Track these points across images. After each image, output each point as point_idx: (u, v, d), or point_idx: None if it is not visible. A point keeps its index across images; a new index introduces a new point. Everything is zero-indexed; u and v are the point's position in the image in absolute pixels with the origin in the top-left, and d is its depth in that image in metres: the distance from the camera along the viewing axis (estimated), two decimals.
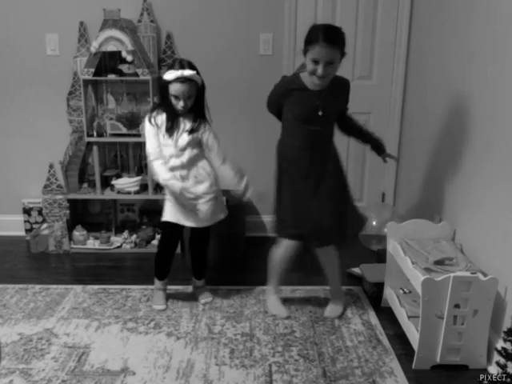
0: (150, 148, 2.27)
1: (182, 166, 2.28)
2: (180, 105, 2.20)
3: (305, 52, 2.04)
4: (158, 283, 2.51)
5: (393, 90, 3.29)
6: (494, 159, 2.05)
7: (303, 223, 2.20)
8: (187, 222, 2.35)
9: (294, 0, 3.13)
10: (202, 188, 2.30)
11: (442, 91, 2.61)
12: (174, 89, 2.17)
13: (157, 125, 2.26)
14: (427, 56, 2.87)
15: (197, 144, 2.30)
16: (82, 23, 3.11)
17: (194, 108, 2.26)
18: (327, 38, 1.96)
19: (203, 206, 2.30)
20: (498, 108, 2.03)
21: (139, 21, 3.09)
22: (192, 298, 2.55)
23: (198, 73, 2.22)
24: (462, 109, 2.36)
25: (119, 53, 2.96)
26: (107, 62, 3.06)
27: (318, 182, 2.20)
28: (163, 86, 2.22)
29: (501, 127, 2.00)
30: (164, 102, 2.26)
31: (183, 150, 2.27)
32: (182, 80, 2.16)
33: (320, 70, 2.00)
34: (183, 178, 2.28)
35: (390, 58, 3.24)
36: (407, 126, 3.25)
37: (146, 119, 2.29)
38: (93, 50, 2.94)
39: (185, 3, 3.16)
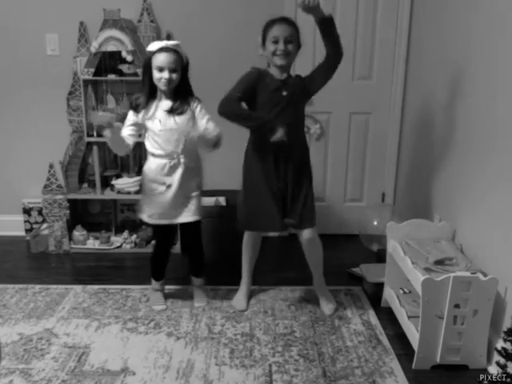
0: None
1: (172, 152, 2.22)
2: (164, 76, 2.12)
3: (263, 40, 2.17)
4: (155, 284, 2.50)
5: (393, 90, 3.29)
6: (494, 159, 2.05)
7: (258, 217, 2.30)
8: (166, 221, 2.30)
9: (294, 0, 3.13)
10: (191, 185, 2.29)
11: (442, 91, 2.61)
12: (159, 59, 2.12)
13: (137, 106, 2.21)
14: (427, 56, 2.87)
15: (190, 126, 2.23)
16: (82, 23, 3.11)
17: (179, 89, 2.20)
18: (283, 18, 2.17)
19: (166, 194, 2.26)
20: (498, 108, 2.03)
21: (139, 21, 3.09)
22: (192, 297, 2.55)
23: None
24: (462, 109, 2.36)
25: (119, 53, 2.96)
26: (107, 62, 3.06)
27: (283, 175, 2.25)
28: (147, 61, 2.16)
29: (501, 128, 2.00)
30: (146, 82, 2.19)
31: (174, 131, 2.21)
32: (166, 49, 2.12)
33: (280, 44, 2.11)
34: (174, 167, 2.23)
35: (389, 58, 3.24)
36: (407, 126, 3.25)
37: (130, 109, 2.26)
38: (93, 50, 2.94)
39: (185, 3, 3.16)
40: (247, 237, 2.46)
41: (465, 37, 2.36)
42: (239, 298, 2.49)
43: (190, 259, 2.52)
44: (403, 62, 3.20)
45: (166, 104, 2.22)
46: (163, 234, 2.41)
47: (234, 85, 2.21)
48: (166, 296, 2.55)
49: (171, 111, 2.21)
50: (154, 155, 2.26)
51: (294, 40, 2.13)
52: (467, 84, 2.32)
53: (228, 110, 2.13)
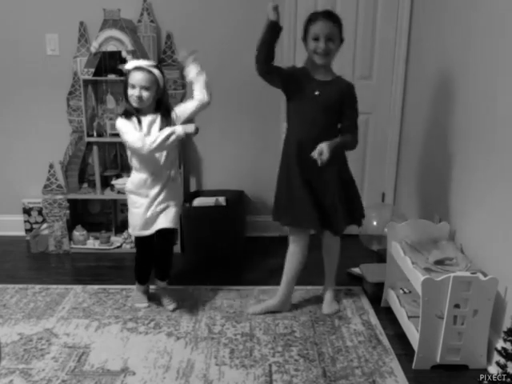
0: (133, 137, 2.19)
1: (156, 166, 2.27)
2: (135, 94, 2.17)
3: (305, 35, 2.13)
4: (139, 286, 2.53)
5: (393, 90, 3.29)
6: (494, 159, 2.05)
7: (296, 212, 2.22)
8: (147, 231, 2.33)
9: (294, 0, 3.13)
10: (172, 195, 2.34)
11: (442, 91, 2.61)
12: (131, 77, 2.18)
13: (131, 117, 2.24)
14: (427, 56, 2.87)
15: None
16: (82, 23, 3.11)
17: (158, 106, 2.27)
18: (326, 13, 2.12)
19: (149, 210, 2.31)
20: (498, 108, 2.03)
21: (139, 21, 3.09)
22: (192, 297, 2.55)
23: (162, 73, 2.25)
24: (462, 109, 2.36)
25: (119, 53, 2.96)
26: (107, 62, 3.06)
27: (311, 177, 2.19)
28: (125, 80, 2.22)
29: (501, 128, 2.00)
30: (127, 99, 2.24)
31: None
32: (140, 68, 2.18)
33: (321, 44, 2.07)
34: (156, 180, 2.28)
35: (389, 58, 3.24)
36: (407, 126, 3.25)
37: (119, 118, 2.26)
38: (93, 50, 2.94)
39: (185, 3, 3.16)
40: (293, 243, 2.32)
41: (465, 37, 2.36)
42: (254, 306, 2.45)
43: (158, 264, 2.49)
44: (403, 62, 3.20)
45: (150, 119, 2.26)
46: (143, 244, 2.43)
47: None
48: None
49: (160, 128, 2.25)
50: (137, 170, 2.31)
51: (335, 38, 2.10)
52: (467, 84, 2.32)
53: (257, 52, 2.15)
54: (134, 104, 2.21)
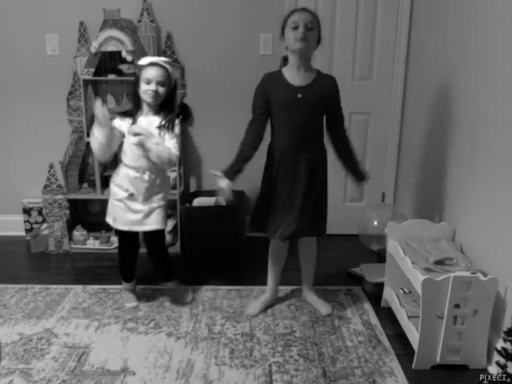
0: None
1: (139, 167, 2.25)
2: (151, 88, 2.17)
3: (283, 30, 2.11)
4: (125, 285, 2.53)
5: (393, 90, 3.29)
6: (494, 159, 2.05)
7: (272, 223, 2.24)
8: (120, 226, 2.32)
9: (294, 0, 3.13)
10: (155, 198, 2.31)
11: (442, 91, 2.61)
12: (147, 72, 2.17)
13: (131, 116, 2.25)
14: (427, 56, 2.87)
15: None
16: (82, 23, 3.11)
17: (163, 106, 2.26)
18: (303, 7, 2.13)
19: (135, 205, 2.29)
20: (498, 108, 2.03)
21: (139, 21, 3.09)
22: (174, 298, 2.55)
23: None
24: (462, 109, 2.36)
25: (119, 53, 2.96)
26: (107, 62, 3.06)
27: (294, 184, 2.19)
28: (137, 76, 2.22)
29: (502, 128, 2.00)
30: (134, 97, 2.25)
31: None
32: (155, 64, 2.18)
33: (300, 29, 2.03)
34: (138, 180, 2.25)
35: (390, 58, 3.24)
36: (407, 126, 3.24)
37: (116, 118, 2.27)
38: (93, 50, 2.94)
39: (185, 3, 3.16)
40: (271, 243, 2.40)
41: (465, 36, 2.36)
42: (253, 303, 2.46)
43: (156, 266, 2.52)
44: (403, 62, 3.20)
45: (150, 120, 2.25)
46: (125, 239, 2.41)
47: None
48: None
49: (160, 127, 2.24)
50: (124, 164, 2.29)
51: (314, 28, 2.06)
52: (467, 84, 2.32)
53: (240, 148, 2.22)
54: (149, 99, 2.20)
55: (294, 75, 2.13)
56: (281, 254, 2.40)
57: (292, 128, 2.14)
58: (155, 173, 2.28)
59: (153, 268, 2.54)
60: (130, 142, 2.22)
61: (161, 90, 2.19)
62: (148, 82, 2.18)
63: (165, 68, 2.21)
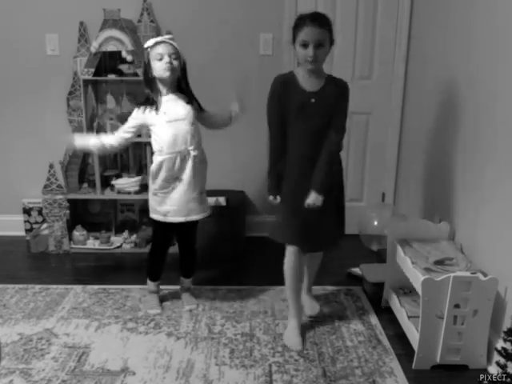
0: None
1: (181, 146, 2.20)
2: (165, 61, 2.13)
3: (294, 40, 2.02)
4: (151, 285, 2.47)
5: (393, 90, 3.28)
6: (494, 159, 2.05)
7: (293, 231, 2.14)
8: (173, 218, 2.26)
9: (294, 0, 3.13)
10: (199, 181, 2.28)
11: (442, 91, 2.61)
12: (157, 51, 2.15)
13: (154, 102, 2.21)
14: (427, 56, 2.87)
15: (195, 120, 2.26)
16: (82, 23, 3.11)
17: (180, 87, 2.24)
18: (314, 18, 1.97)
19: (176, 194, 2.24)
20: (498, 108, 2.02)
21: (139, 21, 3.08)
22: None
23: None
24: (462, 109, 2.36)
25: (119, 53, 2.96)
26: (107, 62, 3.06)
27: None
28: (146, 61, 2.19)
29: (502, 128, 2.00)
30: (148, 82, 2.21)
31: (187, 123, 2.21)
32: (162, 41, 2.16)
33: (310, 51, 1.96)
34: (184, 161, 2.21)
35: (390, 58, 3.24)
36: (407, 126, 3.24)
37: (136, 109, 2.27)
38: (93, 50, 2.94)
39: (185, 3, 3.16)
40: (288, 255, 2.19)
41: (465, 36, 2.36)
42: (290, 335, 2.19)
43: (184, 260, 2.48)
44: (403, 62, 3.20)
45: (172, 98, 2.22)
46: (165, 233, 2.36)
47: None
48: (166, 296, 2.55)
49: (178, 96, 2.22)
50: (161, 152, 2.22)
51: (325, 42, 1.98)
52: (467, 84, 2.32)
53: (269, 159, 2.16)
54: (167, 73, 2.15)
55: (305, 80, 2.07)
56: (301, 269, 2.24)
57: (307, 134, 2.07)
58: (197, 148, 2.26)
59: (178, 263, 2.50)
60: (164, 122, 2.19)
61: (175, 62, 2.16)
62: (160, 58, 2.14)
63: (172, 45, 2.18)
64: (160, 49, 2.15)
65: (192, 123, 2.23)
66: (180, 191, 2.23)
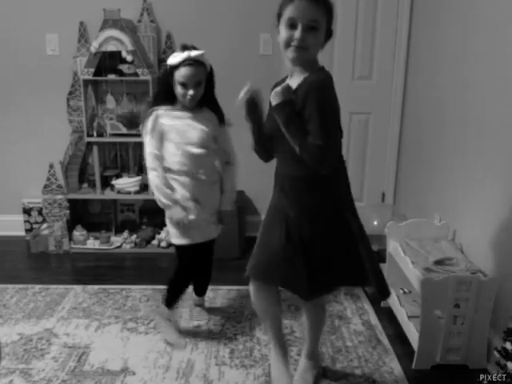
0: (149, 148, 2.00)
1: (194, 170, 2.01)
2: (189, 94, 1.92)
3: (278, 21, 1.52)
4: (168, 313, 2.19)
5: (393, 90, 3.29)
6: (494, 159, 2.05)
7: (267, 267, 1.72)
8: (199, 238, 2.09)
9: None
10: (213, 201, 2.12)
11: (442, 91, 2.61)
12: (181, 74, 1.89)
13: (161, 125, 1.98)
14: (427, 56, 2.87)
15: (210, 142, 2.05)
16: (82, 23, 3.11)
17: (203, 100, 2.01)
18: None
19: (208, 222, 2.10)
20: (498, 108, 2.03)
21: (139, 21, 3.09)
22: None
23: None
24: (462, 109, 2.36)
25: (119, 53, 2.96)
26: (107, 62, 3.06)
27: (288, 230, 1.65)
28: (167, 74, 1.95)
29: (502, 128, 2.00)
30: (167, 95, 1.98)
31: (198, 148, 2.00)
32: (189, 62, 1.89)
33: (297, 32, 1.41)
34: (198, 183, 2.03)
35: (390, 58, 3.24)
36: (407, 126, 3.24)
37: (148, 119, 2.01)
38: (93, 49, 2.94)
39: (185, 3, 3.16)
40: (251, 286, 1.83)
41: (464, 36, 2.36)
42: (277, 375, 1.82)
43: (200, 279, 2.31)
44: (403, 62, 3.20)
45: (184, 114, 2.01)
46: (194, 255, 2.11)
47: None
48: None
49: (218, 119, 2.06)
50: (172, 172, 2.02)
51: (320, 26, 1.44)
52: (467, 83, 2.32)
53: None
54: (188, 104, 1.97)
55: (290, 78, 1.61)
56: (273, 309, 1.80)
57: (285, 148, 1.56)
58: (209, 169, 2.07)
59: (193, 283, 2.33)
60: (176, 141, 1.98)
61: (199, 90, 1.95)
62: (184, 86, 1.92)
63: (199, 62, 1.92)
64: (184, 75, 1.90)
65: (205, 146, 2.02)
66: (198, 214, 2.05)
